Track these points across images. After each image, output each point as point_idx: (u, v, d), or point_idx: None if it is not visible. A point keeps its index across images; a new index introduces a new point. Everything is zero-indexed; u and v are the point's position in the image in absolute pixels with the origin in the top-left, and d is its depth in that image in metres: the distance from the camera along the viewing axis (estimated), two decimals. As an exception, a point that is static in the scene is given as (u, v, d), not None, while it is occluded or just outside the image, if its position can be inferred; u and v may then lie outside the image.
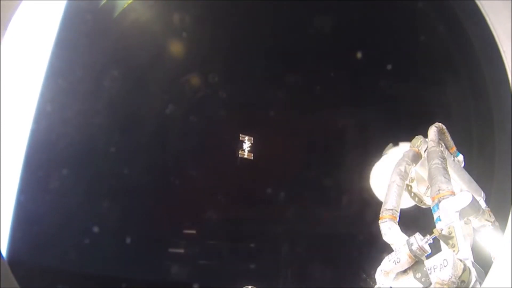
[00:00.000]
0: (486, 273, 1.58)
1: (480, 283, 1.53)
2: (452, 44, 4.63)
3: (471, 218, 1.73)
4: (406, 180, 2.04)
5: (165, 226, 5.12)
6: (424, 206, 2.23)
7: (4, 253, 3.96)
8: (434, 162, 1.95)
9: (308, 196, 5.39)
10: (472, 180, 2.20)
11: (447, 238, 1.65)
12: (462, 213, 1.69)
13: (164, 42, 5.06)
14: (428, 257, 1.61)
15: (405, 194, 2.12)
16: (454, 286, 1.48)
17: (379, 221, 1.82)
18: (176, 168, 5.26)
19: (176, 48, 5.13)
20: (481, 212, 1.75)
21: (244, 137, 5.38)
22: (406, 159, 2.07)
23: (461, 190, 1.84)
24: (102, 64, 4.74)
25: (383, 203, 1.89)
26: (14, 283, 1.69)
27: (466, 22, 4.01)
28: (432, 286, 1.53)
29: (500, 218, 1.84)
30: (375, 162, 2.41)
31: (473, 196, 1.72)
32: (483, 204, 1.94)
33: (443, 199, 1.76)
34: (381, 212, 1.85)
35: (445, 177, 1.85)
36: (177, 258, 5.05)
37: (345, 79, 5.36)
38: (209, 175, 5.23)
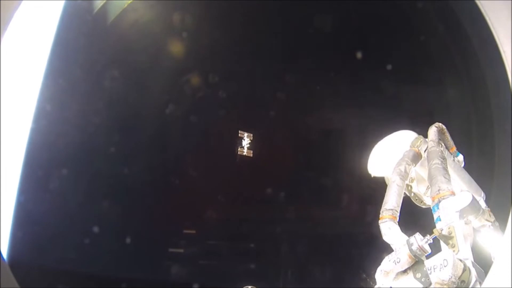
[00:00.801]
0: (486, 273, 1.58)
1: (480, 283, 1.53)
2: (452, 44, 4.64)
3: (471, 218, 1.73)
4: (406, 180, 2.04)
5: (165, 226, 5.12)
6: (424, 206, 2.23)
7: (4, 253, 3.96)
8: (434, 162, 1.95)
9: (308, 196, 5.39)
10: (472, 180, 2.20)
11: (447, 238, 1.65)
12: (462, 213, 1.69)
13: (163, 42, 5.06)
14: (428, 257, 1.61)
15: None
16: (454, 286, 1.48)
17: (379, 221, 1.82)
18: (176, 168, 5.27)
19: (176, 48, 5.13)
20: (481, 212, 1.75)
21: (243, 134, 5.35)
22: (406, 159, 2.07)
23: (461, 190, 1.84)
24: (102, 64, 4.74)
25: (383, 203, 1.88)
26: (14, 283, 1.69)
27: (466, 22, 4.01)
28: (432, 286, 1.53)
29: (500, 218, 1.84)
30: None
31: (473, 196, 1.72)
32: (483, 204, 1.94)
33: (443, 199, 1.76)
34: (381, 212, 1.85)
35: (445, 177, 1.85)
36: (177, 258, 5.05)
37: (345, 79, 5.36)
38: (209, 175, 5.23)
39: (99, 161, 4.69)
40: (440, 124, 2.25)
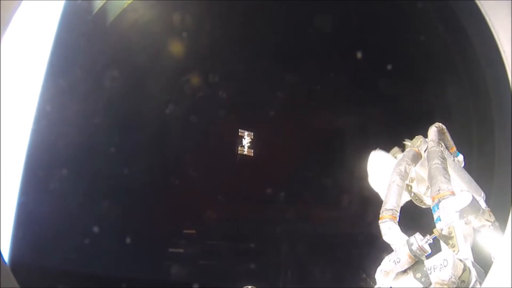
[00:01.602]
0: (486, 273, 1.58)
1: (480, 283, 1.53)
2: (452, 44, 4.64)
3: (471, 218, 1.73)
4: (406, 180, 2.04)
5: (165, 226, 5.12)
6: (424, 206, 2.23)
7: (4, 254, 3.96)
8: (434, 162, 1.95)
9: (308, 196, 5.39)
10: (472, 180, 2.20)
11: (447, 238, 1.65)
12: (462, 213, 1.69)
13: (164, 42, 5.06)
14: (428, 257, 1.62)
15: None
16: (454, 286, 1.48)
17: (379, 221, 1.82)
18: (176, 168, 5.26)
19: (176, 47, 5.13)
20: (481, 212, 1.75)
21: (243, 133, 5.30)
22: (406, 159, 2.07)
23: (461, 190, 1.84)
24: (103, 64, 4.74)
25: (383, 203, 1.89)
26: (15, 283, 1.69)
27: (466, 22, 4.01)
28: (432, 286, 1.53)
29: (500, 218, 1.84)
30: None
31: (473, 196, 1.72)
32: (483, 204, 1.94)
33: (443, 199, 1.76)
34: (381, 212, 1.85)
35: (445, 177, 1.85)
36: (177, 258, 5.05)
37: (345, 79, 5.36)
38: (209, 174, 5.23)
39: (101, 162, 4.69)
40: (440, 124, 2.25)
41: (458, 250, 1.61)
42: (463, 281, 1.49)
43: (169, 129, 5.24)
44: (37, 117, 4.35)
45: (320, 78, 5.30)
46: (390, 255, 1.67)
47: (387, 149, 2.34)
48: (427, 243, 1.61)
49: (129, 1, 4.81)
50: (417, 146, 2.17)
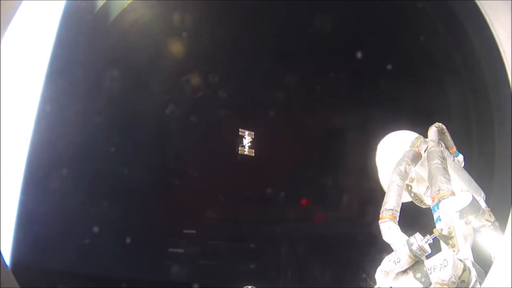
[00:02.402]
0: (486, 273, 1.58)
1: (480, 283, 1.53)
2: (452, 44, 4.64)
3: (471, 218, 1.73)
4: (406, 180, 2.04)
5: (165, 226, 5.12)
6: (424, 206, 2.23)
7: (5, 254, 3.96)
8: (434, 162, 1.95)
9: (308, 196, 5.39)
10: (472, 180, 2.19)
11: (447, 238, 1.65)
12: (462, 213, 1.69)
13: (164, 42, 5.06)
14: (428, 257, 1.61)
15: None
16: (454, 286, 1.48)
17: (379, 221, 1.82)
18: (176, 168, 5.26)
19: (176, 48, 5.14)
20: (481, 212, 1.75)
21: (244, 132, 5.25)
22: (406, 159, 2.07)
23: (461, 190, 1.84)
24: (104, 64, 4.73)
25: (383, 203, 1.89)
26: (15, 283, 1.69)
27: (466, 22, 4.01)
28: (432, 286, 1.53)
29: (500, 218, 1.84)
30: (374, 161, 2.40)
31: (473, 196, 1.72)
32: (483, 204, 1.94)
33: (443, 199, 1.76)
34: (381, 212, 1.85)
35: (445, 177, 1.85)
36: (177, 258, 5.05)
37: (345, 79, 5.36)
38: (209, 174, 5.23)
39: (102, 162, 4.69)
40: (440, 124, 2.25)
41: (458, 250, 1.61)
42: (463, 281, 1.49)
43: (169, 129, 5.24)
44: (38, 117, 4.35)
45: (320, 78, 5.30)
46: (390, 255, 1.67)
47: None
48: (427, 243, 1.61)
49: (129, 1, 4.81)
50: (417, 146, 2.16)
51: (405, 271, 1.63)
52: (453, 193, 1.77)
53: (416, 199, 2.25)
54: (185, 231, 5.17)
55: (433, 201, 1.82)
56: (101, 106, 4.74)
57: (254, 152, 5.27)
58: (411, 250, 1.59)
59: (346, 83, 5.36)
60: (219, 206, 5.16)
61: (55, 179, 4.42)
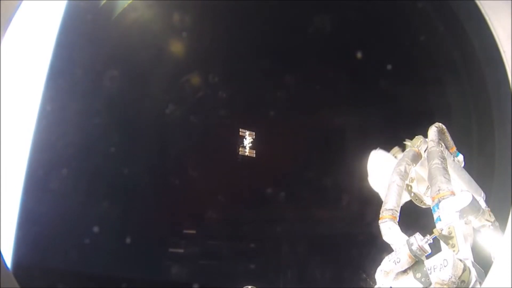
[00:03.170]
0: (486, 273, 1.58)
1: (480, 283, 1.53)
2: (452, 44, 4.64)
3: (471, 218, 1.73)
4: (406, 180, 2.04)
5: (165, 226, 5.12)
6: (424, 206, 2.23)
7: (4, 253, 3.95)
8: (434, 162, 1.95)
9: (308, 196, 5.39)
10: (472, 180, 2.19)
11: (447, 238, 1.65)
12: (462, 213, 1.69)
13: (164, 42, 5.06)
14: (428, 257, 1.61)
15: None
16: (454, 286, 1.48)
17: (379, 221, 1.82)
18: (177, 168, 5.26)
19: (176, 48, 5.13)
20: (481, 212, 1.75)
21: (244, 132, 5.21)
22: (406, 159, 2.07)
23: (461, 190, 1.83)
24: (106, 64, 4.73)
25: (383, 203, 1.88)
26: (14, 283, 1.69)
27: (466, 22, 4.01)
28: (432, 286, 1.53)
29: (500, 218, 1.84)
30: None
31: (473, 196, 1.72)
32: (483, 204, 1.94)
33: (443, 199, 1.75)
34: (381, 212, 1.85)
35: (445, 177, 1.85)
36: (177, 258, 5.05)
37: (345, 79, 5.36)
38: (209, 175, 5.23)
39: (103, 162, 4.69)
40: (440, 124, 2.25)
41: (458, 250, 1.61)
42: (463, 281, 1.49)
43: (171, 129, 5.23)
44: (39, 118, 4.34)
45: (320, 78, 5.30)
46: (390, 255, 1.67)
47: (387, 149, 2.34)
48: (427, 243, 1.60)
49: (130, 1, 4.81)
50: (417, 146, 2.16)
51: (405, 271, 1.63)
52: (453, 193, 1.77)
53: (416, 199, 2.25)
54: (185, 231, 5.17)
55: (433, 201, 1.82)
56: (103, 106, 4.74)
57: (255, 153, 5.26)
58: (411, 250, 1.59)
59: (346, 83, 5.36)
60: (219, 206, 5.16)
61: (57, 180, 4.42)
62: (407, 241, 1.63)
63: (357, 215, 4.93)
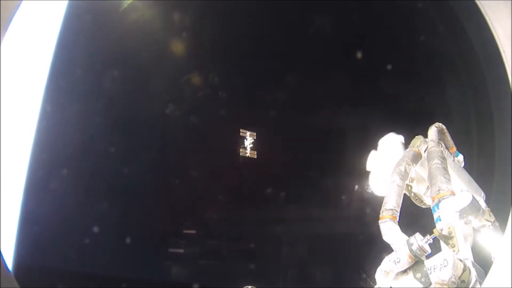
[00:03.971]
0: (486, 273, 1.58)
1: (480, 283, 1.53)
2: (452, 44, 4.64)
3: (471, 218, 1.73)
4: (406, 180, 2.04)
5: (165, 226, 5.12)
6: (424, 206, 2.23)
7: (4, 253, 3.95)
8: (434, 162, 1.95)
9: (308, 196, 5.38)
10: (472, 180, 2.19)
11: (447, 238, 1.65)
12: (462, 213, 1.69)
13: (165, 42, 5.06)
14: (428, 257, 1.61)
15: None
16: (454, 286, 1.48)
17: (379, 221, 1.82)
18: (177, 168, 5.26)
19: (177, 48, 5.13)
20: (481, 212, 1.75)
21: (245, 133, 5.14)
22: (406, 159, 2.07)
23: (461, 190, 1.83)
24: (107, 64, 4.72)
25: (383, 203, 1.88)
26: (14, 283, 1.69)
27: (466, 22, 4.01)
28: (432, 286, 1.53)
29: (500, 218, 1.84)
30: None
31: (473, 196, 1.72)
32: (483, 204, 1.94)
33: (443, 199, 1.75)
34: (381, 212, 1.85)
35: (445, 177, 1.85)
36: (177, 258, 5.05)
37: (345, 79, 5.36)
38: (209, 174, 5.23)
39: (104, 163, 4.69)
40: (440, 124, 2.24)
41: (458, 250, 1.61)
42: (463, 281, 1.49)
43: (176, 128, 5.22)
44: (40, 119, 4.34)
45: (321, 78, 5.30)
46: (390, 255, 1.67)
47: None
48: (427, 243, 1.60)
49: (130, 1, 4.81)
50: (417, 146, 2.16)
51: (405, 271, 1.63)
52: (453, 193, 1.77)
53: (416, 199, 2.25)
54: (185, 231, 5.17)
55: (433, 201, 1.82)
56: (103, 107, 4.74)
57: (256, 153, 5.22)
58: (411, 250, 1.59)
59: (346, 83, 5.36)
60: (219, 206, 5.16)
61: (58, 180, 4.42)
62: (407, 241, 1.63)
63: (357, 215, 4.93)
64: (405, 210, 1.92)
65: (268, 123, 5.41)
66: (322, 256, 5.15)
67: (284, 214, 5.31)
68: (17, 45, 3.79)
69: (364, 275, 4.18)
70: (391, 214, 1.81)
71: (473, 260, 1.60)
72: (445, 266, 1.50)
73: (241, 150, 5.27)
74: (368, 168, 2.34)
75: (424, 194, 2.18)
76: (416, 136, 2.22)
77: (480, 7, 2.06)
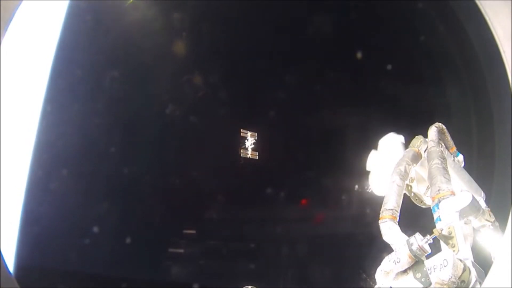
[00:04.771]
0: (486, 273, 1.58)
1: (480, 283, 1.53)
2: (452, 44, 4.64)
3: (471, 218, 1.73)
4: (406, 180, 2.04)
5: (165, 226, 5.12)
6: (424, 206, 2.23)
7: (5, 254, 3.95)
8: (434, 162, 1.95)
9: (308, 196, 5.39)
10: (472, 180, 2.19)
11: (447, 238, 1.65)
12: (462, 213, 1.69)
13: (166, 42, 5.06)
14: (428, 257, 1.61)
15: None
16: (454, 286, 1.48)
17: (379, 221, 1.82)
18: (177, 168, 5.26)
19: (178, 48, 5.13)
20: (481, 212, 1.75)
21: (246, 133, 5.09)
22: (406, 159, 2.07)
23: (461, 190, 1.83)
24: (108, 64, 4.72)
25: (383, 203, 1.88)
26: (15, 283, 1.69)
27: (466, 22, 4.01)
28: (432, 286, 1.53)
29: (500, 218, 1.84)
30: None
31: (473, 196, 1.72)
32: (483, 204, 1.94)
33: (443, 199, 1.75)
34: (381, 212, 1.85)
35: (445, 177, 1.85)
36: (177, 258, 5.05)
37: (345, 79, 5.36)
38: (209, 174, 5.23)
39: (104, 163, 4.69)
40: (440, 124, 2.24)
41: (458, 250, 1.61)
42: (463, 281, 1.49)
43: (178, 128, 5.22)
44: (41, 120, 4.34)
45: (320, 78, 5.30)
46: (390, 255, 1.67)
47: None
48: (427, 243, 1.60)
49: (130, 1, 4.81)
50: (417, 146, 2.16)
51: (405, 271, 1.63)
52: (453, 193, 1.77)
53: (416, 199, 2.25)
54: (185, 231, 5.17)
55: (433, 201, 1.82)
56: (104, 107, 4.74)
57: (258, 154, 5.18)
58: (411, 250, 1.59)
59: (346, 83, 5.37)
60: (219, 206, 5.16)
61: (59, 180, 4.42)
62: (407, 241, 1.63)
63: (357, 215, 4.93)
64: (405, 210, 1.92)
65: (269, 123, 5.41)
66: (322, 256, 5.15)
67: (284, 214, 5.31)
68: (18, 45, 3.79)
69: (364, 275, 4.18)
70: (391, 214, 1.81)
71: (473, 260, 1.60)
72: (445, 266, 1.50)
73: (242, 150, 5.26)
74: (368, 168, 2.34)
75: (424, 194, 2.18)
76: (416, 136, 2.22)
77: (480, 7, 2.06)
